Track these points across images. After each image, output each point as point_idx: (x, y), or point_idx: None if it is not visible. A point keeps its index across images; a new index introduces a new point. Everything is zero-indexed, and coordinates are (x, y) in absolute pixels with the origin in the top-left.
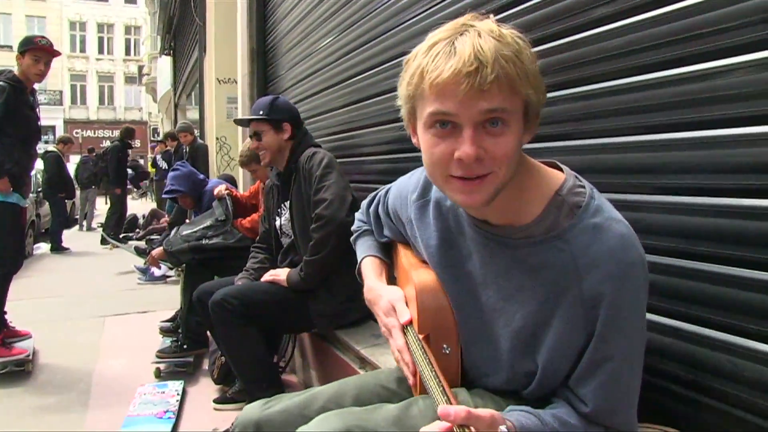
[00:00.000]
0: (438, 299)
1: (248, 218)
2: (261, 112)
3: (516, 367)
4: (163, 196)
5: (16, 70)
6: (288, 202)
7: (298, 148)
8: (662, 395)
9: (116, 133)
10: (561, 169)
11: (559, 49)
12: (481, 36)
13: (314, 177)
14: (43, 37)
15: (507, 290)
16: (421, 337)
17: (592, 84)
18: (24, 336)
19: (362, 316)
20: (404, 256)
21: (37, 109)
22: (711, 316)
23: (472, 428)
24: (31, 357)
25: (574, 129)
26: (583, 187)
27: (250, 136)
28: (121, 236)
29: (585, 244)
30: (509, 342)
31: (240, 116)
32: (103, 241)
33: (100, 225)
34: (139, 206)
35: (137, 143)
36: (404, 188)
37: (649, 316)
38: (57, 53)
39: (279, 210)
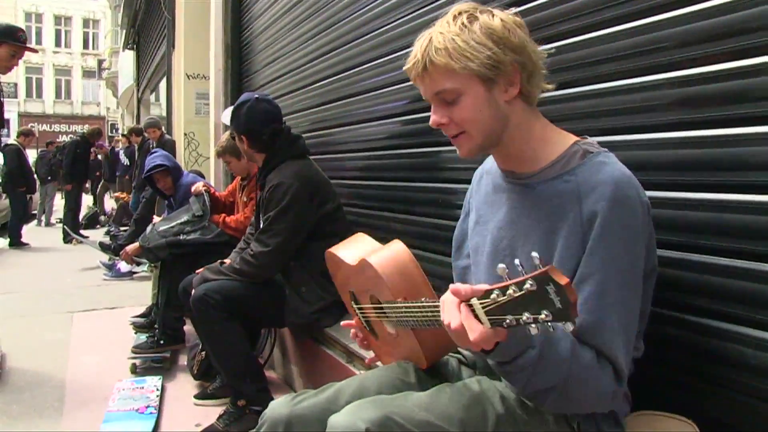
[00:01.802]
0: (399, 266)
1: (233, 217)
2: (231, 121)
3: None
4: (145, 174)
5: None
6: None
7: (271, 160)
8: (675, 387)
9: (73, 127)
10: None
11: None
12: (434, 29)
13: (268, 216)
14: (23, 31)
15: (527, 227)
16: (400, 300)
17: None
18: None
19: (335, 323)
20: (348, 261)
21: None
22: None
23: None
24: None
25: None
26: (603, 148)
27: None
28: (79, 231)
29: (589, 174)
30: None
31: (212, 113)
32: (66, 238)
33: (59, 220)
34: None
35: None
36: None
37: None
38: (34, 50)
39: None
